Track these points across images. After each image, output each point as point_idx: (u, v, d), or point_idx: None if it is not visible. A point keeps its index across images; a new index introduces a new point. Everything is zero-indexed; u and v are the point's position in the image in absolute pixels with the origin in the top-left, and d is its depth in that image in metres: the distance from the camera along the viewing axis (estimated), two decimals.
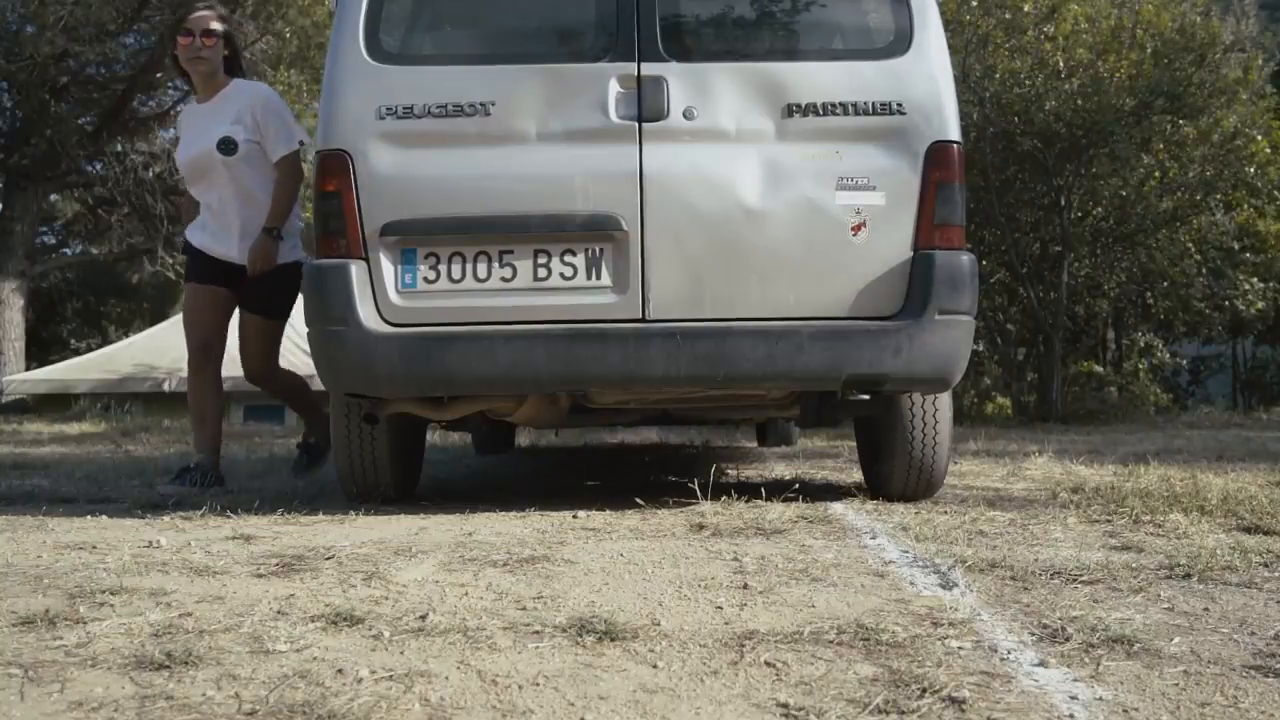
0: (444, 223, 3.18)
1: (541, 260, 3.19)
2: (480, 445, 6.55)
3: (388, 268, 3.19)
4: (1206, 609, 1.98)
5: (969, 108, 10.71)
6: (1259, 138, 11.62)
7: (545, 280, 3.20)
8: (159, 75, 15.43)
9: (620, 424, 4.75)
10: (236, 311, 4.21)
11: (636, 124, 3.19)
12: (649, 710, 1.41)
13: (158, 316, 22.03)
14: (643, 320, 3.16)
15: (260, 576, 2.28)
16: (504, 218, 3.19)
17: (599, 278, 3.18)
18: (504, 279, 3.20)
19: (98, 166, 16.99)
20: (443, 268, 3.20)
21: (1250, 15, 12.38)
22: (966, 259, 3.20)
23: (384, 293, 3.17)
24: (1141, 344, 12.37)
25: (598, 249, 3.18)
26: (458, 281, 3.21)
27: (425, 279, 3.21)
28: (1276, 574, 2.30)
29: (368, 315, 3.11)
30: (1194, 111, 10.77)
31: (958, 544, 2.71)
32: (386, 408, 3.38)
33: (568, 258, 3.19)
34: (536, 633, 1.78)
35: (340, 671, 1.55)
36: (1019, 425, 10.30)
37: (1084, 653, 1.67)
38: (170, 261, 17.51)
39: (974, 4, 10.88)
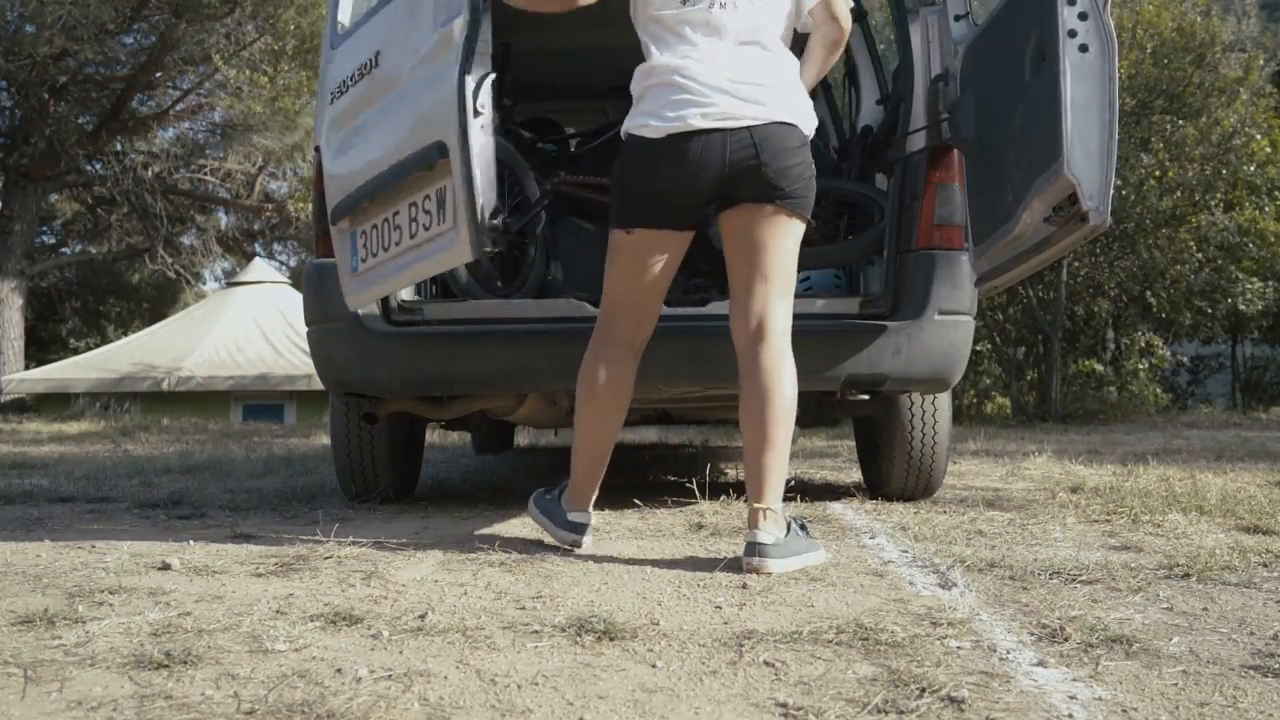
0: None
1: None
2: (479, 445, 6.55)
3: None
4: (1205, 609, 1.98)
5: None
6: (1259, 137, 11.62)
7: None
8: (158, 74, 15.44)
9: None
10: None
11: None
12: (648, 710, 1.41)
13: (157, 316, 22.01)
14: None
15: (259, 576, 2.28)
16: None
17: None
18: None
19: (97, 166, 17.01)
20: None
21: (1250, 15, 12.38)
22: (966, 259, 3.19)
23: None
24: (1142, 343, 12.36)
25: None
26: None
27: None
28: (1275, 574, 2.30)
29: (368, 315, 3.10)
30: (1193, 111, 10.77)
31: (957, 544, 2.71)
32: (386, 407, 3.37)
33: None
34: (535, 632, 1.78)
35: (339, 671, 1.55)
36: (1018, 425, 10.31)
37: (1083, 652, 1.67)
38: (169, 261, 17.53)
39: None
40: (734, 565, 2.37)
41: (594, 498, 2.66)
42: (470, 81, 2.42)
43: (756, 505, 2.38)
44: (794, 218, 2.48)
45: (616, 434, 2.65)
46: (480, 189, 2.41)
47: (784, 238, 2.48)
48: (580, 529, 2.62)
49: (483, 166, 2.43)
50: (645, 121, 2.44)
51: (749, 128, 2.39)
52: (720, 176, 2.42)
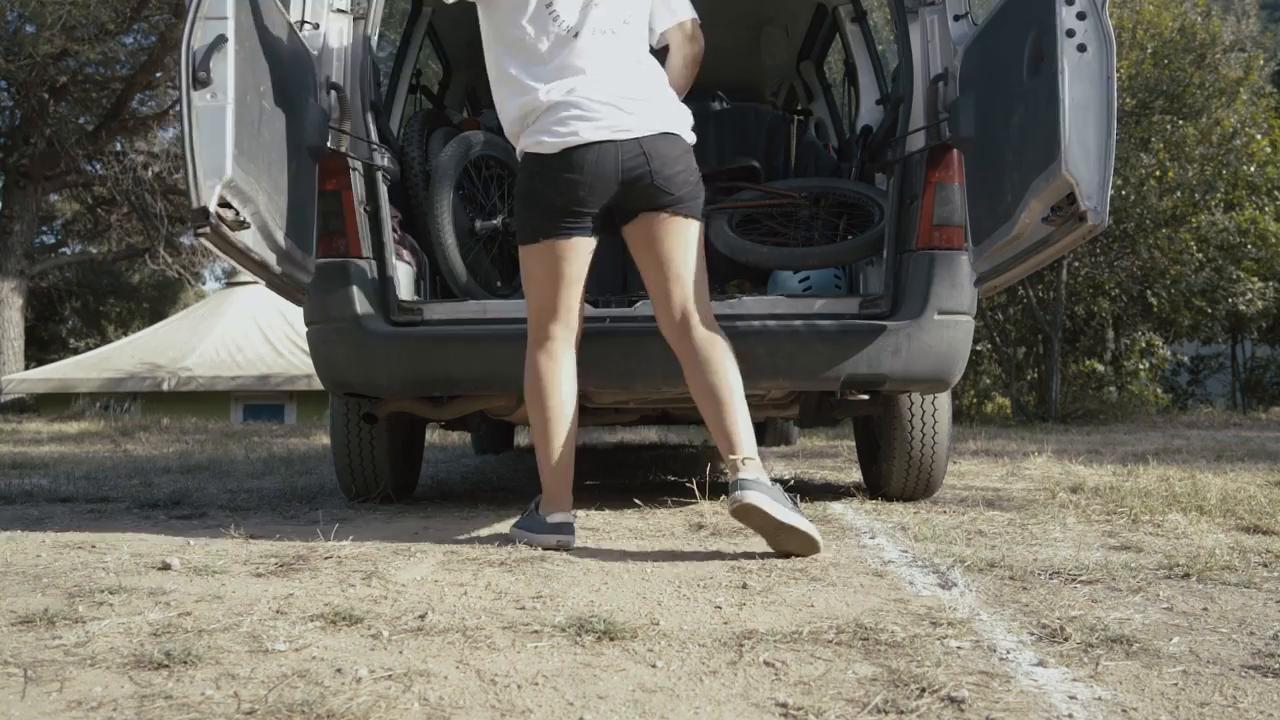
0: None
1: None
2: (479, 445, 6.55)
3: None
4: (1205, 609, 1.98)
5: None
6: (1259, 137, 11.62)
7: None
8: (158, 75, 15.44)
9: (620, 424, 4.75)
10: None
11: None
12: (648, 710, 1.41)
13: (157, 316, 22.01)
14: (641, 319, 3.15)
15: (259, 576, 2.28)
16: None
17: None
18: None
19: (97, 166, 17.01)
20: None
21: (1250, 15, 12.38)
22: (966, 259, 3.19)
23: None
24: (1142, 343, 12.36)
25: None
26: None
27: None
28: (1275, 574, 2.30)
29: (368, 315, 3.10)
30: (1193, 111, 10.76)
31: (957, 544, 2.71)
32: (386, 407, 3.37)
33: None
34: (535, 632, 1.78)
35: (339, 671, 1.55)
36: (1018, 425, 10.30)
37: (1083, 652, 1.67)
38: (170, 261, 17.53)
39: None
40: (734, 565, 2.37)
41: (570, 499, 2.70)
42: (197, 52, 2.36)
43: (732, 457, 2.48)
44: (689, 219, 2.68)
45: (575, 432, 2.70)
46: (198, 164, 2.34)
47: (684, 237, 2.67)
48: (564, 528, 2.64)
49: (204, 140, 2.35)
50: (539, 139, 2.59)
51: (638, 139, 2.59)
52: (615, 185, 2.60)
